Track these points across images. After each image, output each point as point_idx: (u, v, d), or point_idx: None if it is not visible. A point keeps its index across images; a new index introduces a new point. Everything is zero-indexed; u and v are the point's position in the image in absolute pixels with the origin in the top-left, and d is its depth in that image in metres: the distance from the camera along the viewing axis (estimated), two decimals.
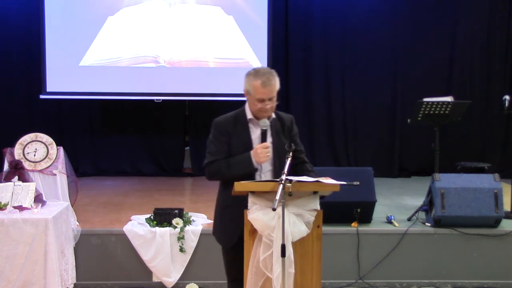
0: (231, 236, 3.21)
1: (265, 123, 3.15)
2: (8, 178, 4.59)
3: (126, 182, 7.66)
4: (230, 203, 3.19)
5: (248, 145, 3.17)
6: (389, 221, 5.11)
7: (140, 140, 8.28)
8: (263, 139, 3.14)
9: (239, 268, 3.12)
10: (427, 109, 5.45)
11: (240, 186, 2.99)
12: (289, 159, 3.01)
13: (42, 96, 7.73)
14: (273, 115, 3.25)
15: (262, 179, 3.14)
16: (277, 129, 3.25)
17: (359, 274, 4.84)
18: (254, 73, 3.16)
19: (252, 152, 3.11)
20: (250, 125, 3.23)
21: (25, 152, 4.80)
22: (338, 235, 4.85)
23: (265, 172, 3.20)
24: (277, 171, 3.15)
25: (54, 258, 4.21)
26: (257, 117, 3.21)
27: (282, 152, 3.13)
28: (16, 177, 4.59)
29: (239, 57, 7.82)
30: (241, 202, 3.04)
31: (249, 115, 3.22)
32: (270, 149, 3.12)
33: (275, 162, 3.19)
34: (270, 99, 3.14)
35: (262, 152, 3.08)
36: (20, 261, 4.19)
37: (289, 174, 2.92)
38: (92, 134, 8.24)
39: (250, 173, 3.13)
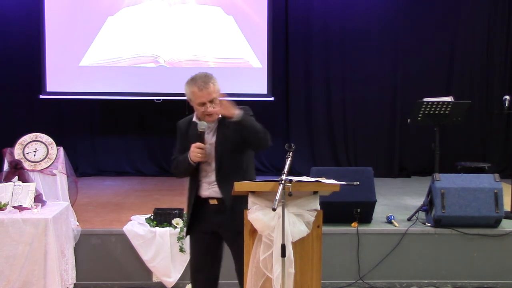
0: (186, 227, 3.44)
1: (203, 125, 3.22)
2: (8, 178, 4.59)
3: (126, 182, 7.66)
4: (188, 199, 3.41)
5: None
6: (389, 221, 5.11)
7: (140, 140, 8.28)
8: (200, 139, 3.22)
9: (193, 258, 3.40)
10: (427, 109, 5.45)
11: (240, 186, 3.00)
12: (289, 159, 3.02)
13: (42, 96, 7.74)
14: (219, 115, 3.29)
15: (209, 177, 3.27)
16: (225, 127, 3.28)
17: (359, 274, 4.84)
18: (191, 80, 3.26)
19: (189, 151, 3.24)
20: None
21: (25, 152, 4.80)
22: (338, 235, 4.85)
23: (210, 172, 3.28)
24: (220, 171, 3.24)
25: (54, 258, 4.21)
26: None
27: (226, 151, 3.24)
28: (16, 177, 4.59)
29: (239, 57, 7.82)
30: (191, 198, 3.30)
31: (194, 119, 3.35)
32: (205, 150, 3.20)
33: (217, 161, 3.25)
34: (211, 101, 3.21)
35: (194, 151, 3.20)
36: (20, 261, 4.19)
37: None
38: (92, 134, 8.24)
39: (194, 171, 3.27)
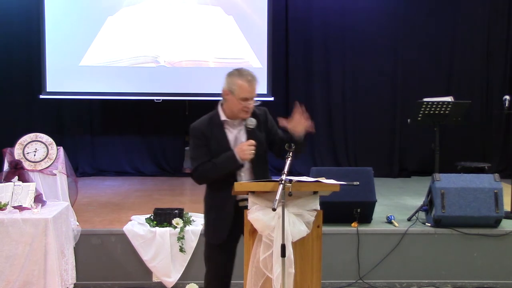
0: (219, 234, 3.25)
1: (252, 121, 3.20)
2: (8, 178, 4.58)
3: (126, 182, 7.66)
4: (216, 203, 3.26)
5: (225, 145, 3.21)
6: (389, 221, 5.11)
7: (140, 140, 8.28)
8: (250, 137, 3.19)
9: (223, 262, 3.28)
10: (427, 109, 5.45)
11: (240, 186, 3.00)
12: (289, 159, 3.02)
13: (42, 96, 7.73)
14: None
15: (242, 177, 3.21)
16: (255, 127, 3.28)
17: (359, 274, 4.84)
18: (237, 73, 3.21)
19: (236, 150, 3.16)
20: (226, 126, 3.26)
21: (25, 152, 4.80)
22: (338, 235, 4.85)
23: (244, 170, 3.24)
24: (254, 167, 3.22)
25: (54, 258, 4.21)
26: (231, 118, 3.25)
27: (259, 149, 3.19)
28: (16, 177, 4.59)
29: (239, 57, 7.82)
30: (227, 202, 3.16)
31: (222, 117, 3.26)
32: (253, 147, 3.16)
33: (254, 159, 3.20)
34: (252, 98, 3.20)
35: (247, 149, 3.13)
36: (20, 261, 4.18)
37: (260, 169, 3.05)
38: (92, 134, 8.24)
39: (232, 172, 3.19)
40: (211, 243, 3.34)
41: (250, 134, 3.19)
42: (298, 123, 3.15)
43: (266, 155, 3.33)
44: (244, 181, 3.07)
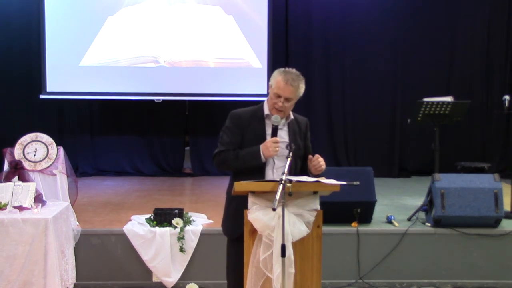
0: (234, 228, 3.21)
1: (277, 119, 3.18)
2: (8, 178, 4.58)
3: (126, 182, 7.66)
4: (237, 196, 3.17)
5: (261, 139, 3.19)
6: (389, 221, 5.11)
7: (140, 140, 8.28)
8: (274, 134, 3.18)
9: (242, 261, 3.15)
10: (427, 109, 5.46)
11: (240, 186, 2.99)
12: (289, 159, 3.02)
13: (42, 96, 7.73)
14: (292, 117, 3.30)
15: (274, 175, 3.18)
16: (295, 130, 3.30)
17: (359, 274, 4.84)
18: (283, 70, 3.24)
19: (261, 146, 3.14)
20: (267, 121, 3.26)
21: (25, 152, 4.80)
22: (338, 235, 4.85)
23: (278, 167, 3.21)
24: (290, 170, 3.12)
25: (54, 258, 4.21)
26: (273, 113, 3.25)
27: (296, 152, 3.18)
28: (16, 177, 4.58)
29: (239, 57, 7.82)
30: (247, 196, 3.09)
31: (266, 111, 3.27)
32: (280, 144, 3.14)
33: (292, 157, 3.15)
34: (286, 100, 3.18)
35: (271, 146, 3.11)
36: (20, 261, 4.18)
37: (295, 174, 2.98)
38: (92, 134, 8.24)
39: (259, 167, 3.17)
40: (229, 237, 3.32)
41: (274, 131, 3.18)
42: (314, 170, 3.19)
43: (300, 160, 3.30)
44: (244, 181, 3.05)
